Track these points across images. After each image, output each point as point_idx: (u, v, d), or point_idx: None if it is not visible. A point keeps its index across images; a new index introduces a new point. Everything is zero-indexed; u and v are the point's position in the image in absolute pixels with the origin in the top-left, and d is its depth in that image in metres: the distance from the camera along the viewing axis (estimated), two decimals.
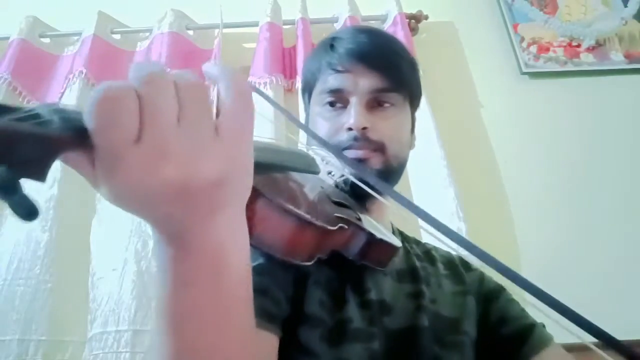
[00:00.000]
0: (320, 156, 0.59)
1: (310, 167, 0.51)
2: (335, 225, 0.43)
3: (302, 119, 0.85)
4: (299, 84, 1.33)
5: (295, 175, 0.49)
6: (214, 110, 0.27)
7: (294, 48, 1.46)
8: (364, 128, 0.61)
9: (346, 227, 0.46)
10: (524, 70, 1.52)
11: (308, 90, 0.72)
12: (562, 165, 1.39)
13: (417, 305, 0.61)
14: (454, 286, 0.67)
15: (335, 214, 0.46)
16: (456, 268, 0.70)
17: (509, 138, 1.43)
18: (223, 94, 0.27)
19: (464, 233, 1.17)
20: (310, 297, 0.54)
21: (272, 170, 0.42)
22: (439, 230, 0.35)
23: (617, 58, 1.54)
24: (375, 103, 0.64)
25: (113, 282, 1.12)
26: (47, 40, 1.57)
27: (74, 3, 1.66)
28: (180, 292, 0.29)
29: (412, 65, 0.70)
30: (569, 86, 1.51)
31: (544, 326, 0.66)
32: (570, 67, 1.53)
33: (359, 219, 0.52)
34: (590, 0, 1.64)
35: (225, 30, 1.47)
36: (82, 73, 1.39)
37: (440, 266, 0.69)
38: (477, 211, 1.24)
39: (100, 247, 1.21)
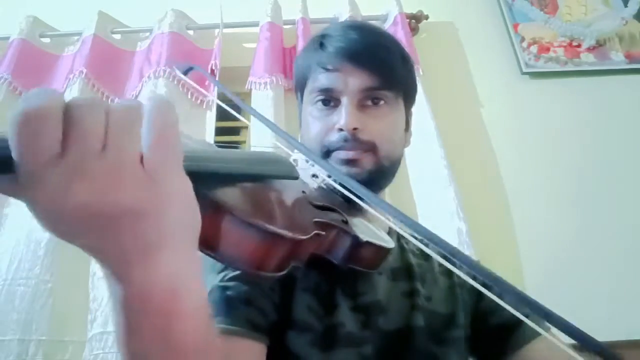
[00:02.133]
0: (305, 158, 0.57)
1: (288, 173, 0.49)
2: (309, 234, 0.40)
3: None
4: None
5: (273, 183, 0.47)
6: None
7: (294, 48, 1.46)
8: (355, 129, 0.60)
9: (323, 232, 0.44)
10: (525, 70, 1.52)
11: (300, 88, 0.71)
12: (563, 165, 1.39)
13: (412, 304, 0.60)
14: (449, 280, 0.67)
15: (315, 220, 0.45)
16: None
17: (509, 138, 1.43)
18: (145, 131, 0.26)
19: (464, 233, 1.17)
20: (298, 303, 0.54)
21: (243, 180, 0.41)
22: (428, 239, 0.34)
23: (617, 58, 1.54)
24: (367, 101, 0.63)
25: None
26: (47, 40, 1.57)
27: (74, 3, 1.66)
28: (130, 338, 0.29)
29: (405, 62, 0.68)
30: (569, 86, 1.51)
31: None
32: (570, 67, 1.53)
33: (346, 222, 0.51)
34: (591, 0, 1.64)
35: (226, 30, 1.47)
36: (83, 73, 1.39)
37: (435, 262, 0.68)
38: (477, 211, 1.24)
39: None
